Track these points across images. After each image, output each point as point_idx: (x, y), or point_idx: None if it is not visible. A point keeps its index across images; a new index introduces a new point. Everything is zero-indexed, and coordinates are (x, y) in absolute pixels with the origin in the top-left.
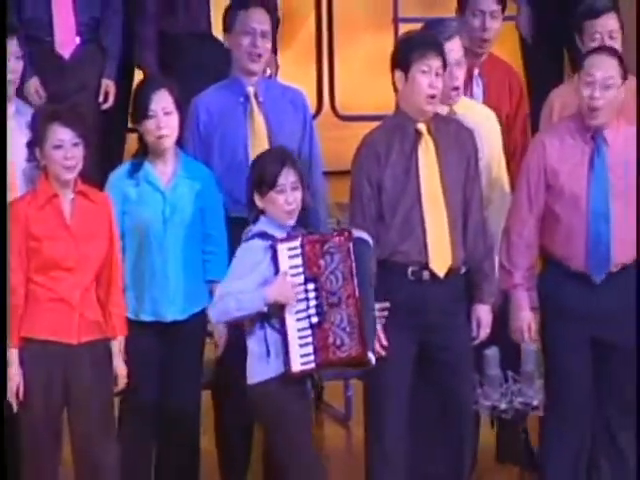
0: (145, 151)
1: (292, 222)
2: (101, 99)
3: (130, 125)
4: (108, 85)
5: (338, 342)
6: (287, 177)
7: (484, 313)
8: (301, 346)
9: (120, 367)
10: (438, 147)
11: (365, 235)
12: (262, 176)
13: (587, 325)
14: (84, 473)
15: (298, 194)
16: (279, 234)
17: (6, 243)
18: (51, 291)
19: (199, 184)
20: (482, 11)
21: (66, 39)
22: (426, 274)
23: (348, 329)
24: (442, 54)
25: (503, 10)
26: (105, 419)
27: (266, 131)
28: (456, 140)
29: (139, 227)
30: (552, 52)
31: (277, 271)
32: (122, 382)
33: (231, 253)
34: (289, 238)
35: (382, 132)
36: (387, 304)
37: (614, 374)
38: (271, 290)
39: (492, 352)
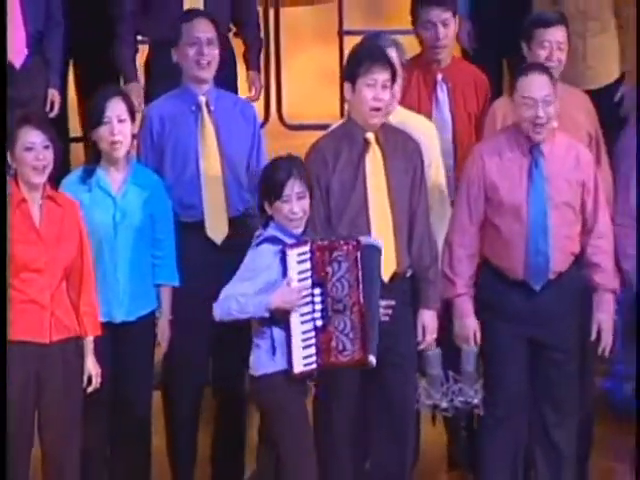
0: (98, 158)
1: (299, 230)
2: (47, 108)
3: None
4: (54, 95)
5: (340, 347)
6: (293, 188)
7: (430, 318)
8: (304, 348)
9: (93, 366)
10: (385, 156)
11: (373, 240)
12: (269, 186)
13: (525, 328)
14: (51, 472)
15: (305, 203)
16: (288, 239)
17: (6, 243)
18: (22, 293)
19: (148, 191)
20: (433, 22)
21: (17, 50)
22: None
23: (351, 335)
24: (390, 67)
25: (454, 14)
26: (75, 417)
27: (216, 139)
28: (403, 150)
29: (92, 231)
30: (492, 63)
31: (285, 275)
32: (96, 381)
33: (181, 257)
34: (299, 244)
35: (331, 139)
36: (392, 302)
37: (549, 375)
38: (275, 297)
39: (434, 353)
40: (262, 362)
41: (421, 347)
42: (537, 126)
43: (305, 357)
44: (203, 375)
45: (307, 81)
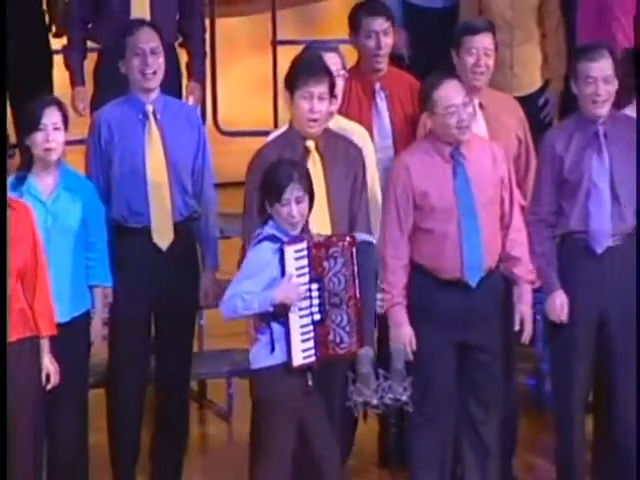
0: (29, 164)
1: (296, 232)
2: None
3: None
4: None
5: (338, 339)
6: (292, 192)
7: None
8: (303, 341)
9: (50, 364)
10: (325, 163)
11: (367, 236)
12: (269, 188)
13: (456, 330)
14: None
15: (303, 207)
16: (287, 238)
17: (6, 243)
18: None
19: (80, 195)
20: (375, 31)
21: None
22: None
23: (348, 328)
24: (328, 78)
25: (393, 24)
26: (33, 416)
27: (162, 147)
28: (344, 156)
29: None
30: (424, 72)
31: (284, 272)
32: (55, 379)
33: (126, 261)
34: (296, 241)
35: (274, 146)
36: (388, 295)
37: (475, 375)
38: (277, 292)
39: (365, 351)
40: (261, 356)
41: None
42: (462, 130)
43: (304, 350)
44: (145, 374)
45: (242, 89)
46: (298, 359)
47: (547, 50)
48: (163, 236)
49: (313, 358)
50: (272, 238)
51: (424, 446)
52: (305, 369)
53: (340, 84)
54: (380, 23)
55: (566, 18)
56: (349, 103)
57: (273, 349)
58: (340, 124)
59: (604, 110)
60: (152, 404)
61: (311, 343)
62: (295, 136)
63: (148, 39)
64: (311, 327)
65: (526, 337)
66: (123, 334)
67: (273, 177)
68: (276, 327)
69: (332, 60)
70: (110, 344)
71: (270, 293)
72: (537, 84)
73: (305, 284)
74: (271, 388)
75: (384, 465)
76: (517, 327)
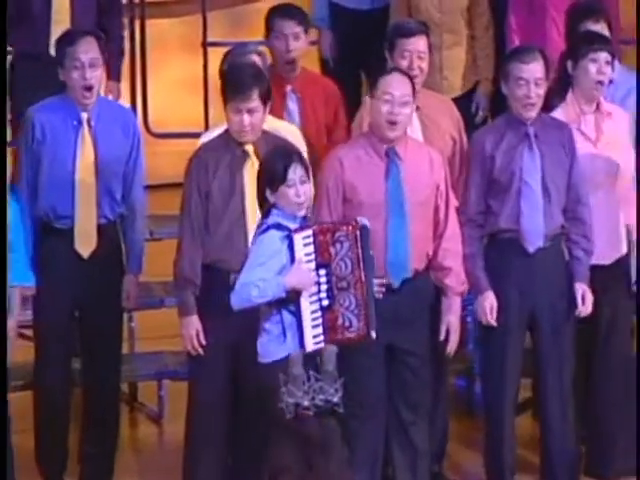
0: None
1: (303, 213)
2: None
3: None
4: None
5: (347, 323)
6: (295, 172)
7: None
8: (313, 327)
9: None
10: None
11: (365, 221)
12: (273, 173)
13: (384, 332)
14: None
15: (307, 187)
16: (292, 225)
17: (6, 241)
18: None
19: None
20: (285, 34)
21: None
22: None
23: (356, 311)
24: (257, 89)
25: (306, 30)
26: None
27: (93, 154)
28: None
29: None
30: (351, 73)
31: (293, 258)
32: None
33: (49, 262)
34: (303, 228)
35: (213, 147)
36: (383, 280)
37: (404, 378)
38: (289, 278)
39: (296, 353)
40: (273, 348)
41: None
42: (392, 123)
43: (314, 336)
44: (69, 376)
45: (172, 90)
46: (310, 345)
47: (477, 52)
48: (85, 242)
49: (323, 344)
50: (278, 226)
51: (357, 448)
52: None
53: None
54: (291, 26)
55: (496, 20)
56: None
57: (285, 338)
58: (273, 124)
59: (534, 112)
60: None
61: (320, 329)
62: (232, 140)
63: (88, 50)
64: (319, 313)
65: (450, 348)
66: (46, 335)
67: (274, 162)
68: (287, 315)
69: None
70: (35, 346)
71: (282, 279)
72: (467, 86)
73: (313, 270)
74: (273, 380)
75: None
76: (442, 337)
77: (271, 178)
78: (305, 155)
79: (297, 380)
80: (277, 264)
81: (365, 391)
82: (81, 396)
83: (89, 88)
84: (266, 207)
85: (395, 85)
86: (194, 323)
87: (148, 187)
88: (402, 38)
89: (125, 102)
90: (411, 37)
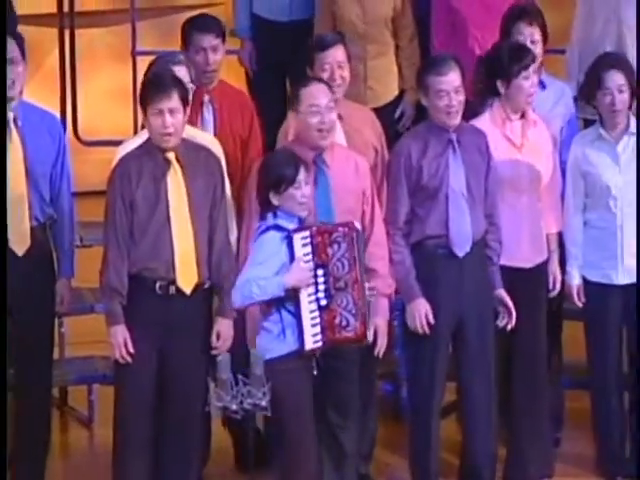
0: None
1: (305, 213)
2: None
3: None
4: None
5: (344, 323)
6: (301, 173)
7: (225, 327)
8: (312, 326)
9: None
10: (186, 174)
11: (358, 224)
12: (281, 176)
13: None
14: None
15: (309, 188)
16: (291, 226)
17: (6, 239)
18: None
19: None
20: (204, 48)
21: None
22: (172, 289)
23: (353, 311)
24: (177, 92)
25: (223, 41)
26: None
27: (22, 154)
28: (205, 167)
29: None
30: (275, 82)
31: (292, 258)
32: None
33: None
34: (301, 229)
35: (136, 155)
36: (374, 284)
37: (332, 382)
38: (288, 277)
39: (224, 358)
40: (272, 345)
41: (214, 352)
42: (324, 134)
43: (313, 335)
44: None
45: (101, 99)
46: (309, 343)
47: (401, 62)
48: (19, 241)
49: (320, 343)
50: (277, 227)
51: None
52: (311, 356)
53: (190, 95)
54: (209, 40)
55: (420, 31)
56: None
57: (285, 336)
58: (192, 133)
59: (457, 119)
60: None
61: (318, 328)
62: (154, 147)
63: (8, 49)
64: (317, 312)
65: (379, 350)
66: None
67: (281, 166)
68: (285, 314)
69: (180, 72)
70: None
71: (282, 278)
72: (392, 95)
73: (311, 270)
74: (284, 377)
75: (242, 470)
76: (370, 339)
77: (279, 181)
78: (224, 164)
79: (225, 384)
80: (277, 263)
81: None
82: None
83: (11, 83)
84: (269, 209)
85: (318, 95)
86: (122, 332)
87: (79, 194)
88: (320, 52)
89: (55, 110)
90: (329, 49)
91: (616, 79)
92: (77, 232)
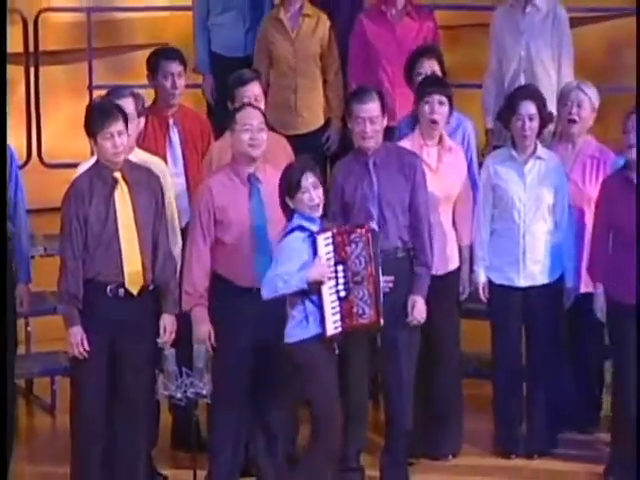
0: None
1: (319, 214)
2: None
3: None
4: None
5: (360, 311)
6: (307, 179)
7: (169, 322)
8: (332, 314)
9: None
10: (131, 191)
11: (374, 224)
12: (289, 182)
13: (251, 331)
14: None
15: (320, 191)
16: (313, 226)
17: (6, 244)
18: None
19: None
20: (171, 73)
21: None
22: (122, 291)
23: (368, 301)
24: (122, 117)
25: (185, 68)
26: None
27: None
28: (147, 184)
29: None
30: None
31: (315, 255)
32: None
33: None
34: (324, 230)
35: (87, 177)
36: (391, 277)
37: (268, 370)
38: (311, 272)
39: (170, 352)
40: (296, 331)
41: (160, 345)
42: (254, 147)
43: (334, 322)
44: None
45: (62, 128)
46: (330, 330)
47: (328, 94)
48: None
49: (340, 329)
50: (300, 228)
51: (223, 431)
52: (332, 339)
53: (135, 122)
54: (175, 66)
55: (344, 67)
56: (146, 136)
57: (308, 323)
58: (140, 156)
59: (372, 143)
60: None
61: (338, 316)
62: (103, 168)
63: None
64: (337, 303)
65: None
66: None
67: (290, 172)
68: (309, 304)
69: (127, 104)
70: None
71: (305, 273)
72: (319, 122)
73: (332, 266)
74: (308, 357)
75: (186, 449)
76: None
77: (288, 187)
78: (169, 181)
79: (171, 376)
80: (299, 261)
81: (232, 384)
82: None
83: None
84: (288, 212)
85: (251, 116)
86: (79, 332)
87: (42, 210)
88: (240, 87)
89: (23, 138)
90: (247, 85)
91: (528, 108)
92: (41, 243)
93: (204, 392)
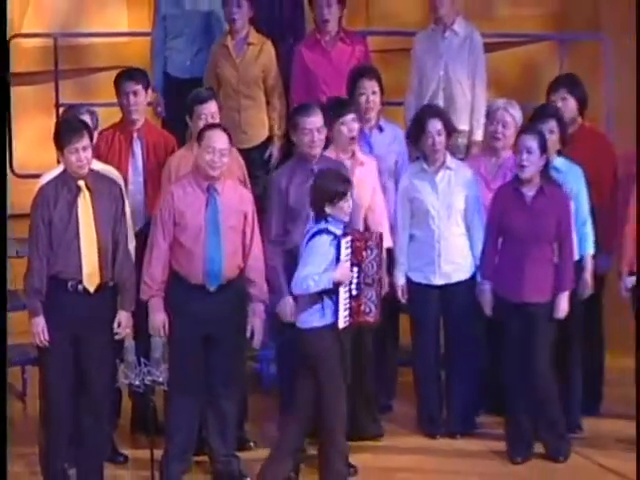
0: None
1: (347, 218)
2: None
3: None
4: None
5: (367, 310)
6: (346, 189)
7: (124, 317)
8: (344, 310)
9: None
10: (93, 197)
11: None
12: (336, 191)
13: (202, 325)
14: None
15: (352, 201)
16: (338, 231)
17: (6, 242)
18: None
19: None
20: (127, 92)
21: None
22: (80, 287)
23: (375, 302)
24: (87, 133)
25: (145, 87)
26: None
27: None
28: (108, 192)
29: None
30: (178, 126)
31: (338, 258)
32: None
33: None
34: (345, 234)
35: (53, 184)
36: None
37: (218, 360)
38: (338, 273)
39: (130, 344)
40: (311, 319)
41: (117, 337)
42: (214, 169)
43: (344, 317)
44: None
45: (32, 142)
46: (341, 323)
47: (271, 114)
48: None
49: (349, 323)
50: (327, 231)
51: (179, 416)
52: (341, 331)
53: (94, 137)
54: (130, 86)
55: (286, 88)
56: (112, 149)
57: (324, 313)
58: (98, 166)
59: (317, 151)
60: None
61: (348, 312)
62: (68, 177)
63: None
64: (349, 300)
65: (256, 343)
66: None
67: (335, 182)
68: (326, 298)
69: (85, 120)
70: None
71: (332, 274)
72: (261, 139)
73: (349, 267)
74: (321, 343)
75: (143, 431)
76: (249, 335)
77: (334, 195)
78: (141, 186)
79: (130, 365)
80: (326, 262)
81: (185, 372)
82: None
83: None
84: (322, 216)
85: (217, 140)
86: (40, 322)
87: (15, 216)
88: (197, 104)
89: None
90: (204, 103)
91: (436, 125)
92: (14, 246)
93: (160, 380)
